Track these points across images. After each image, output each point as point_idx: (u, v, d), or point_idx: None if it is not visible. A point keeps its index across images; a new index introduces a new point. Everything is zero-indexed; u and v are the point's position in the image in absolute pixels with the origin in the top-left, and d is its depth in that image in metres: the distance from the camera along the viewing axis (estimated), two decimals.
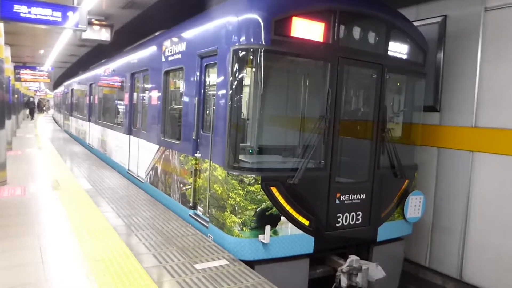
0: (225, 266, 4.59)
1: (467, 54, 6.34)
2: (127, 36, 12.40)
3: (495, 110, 5.96)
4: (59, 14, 7.64)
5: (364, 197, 5.57)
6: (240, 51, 4.85)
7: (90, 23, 9.93)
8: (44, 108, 57.23)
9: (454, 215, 6.53)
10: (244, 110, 5.10)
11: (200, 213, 5.85)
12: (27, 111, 37.09)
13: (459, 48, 6.47)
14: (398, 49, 5.79)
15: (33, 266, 4.40)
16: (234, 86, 4.89)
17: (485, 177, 6.10)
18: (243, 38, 4.84)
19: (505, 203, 5.83)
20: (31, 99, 39.86)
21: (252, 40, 4.77)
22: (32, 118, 36.55)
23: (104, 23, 10.73)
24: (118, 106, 11.32)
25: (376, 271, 5.20)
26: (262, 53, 4.74)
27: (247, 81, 4.99)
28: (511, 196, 5.77)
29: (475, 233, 6.25)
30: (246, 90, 5.04)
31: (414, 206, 6.13)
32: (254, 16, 4.76)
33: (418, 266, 7.07)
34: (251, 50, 4.78)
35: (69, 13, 7.71)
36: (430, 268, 6.92)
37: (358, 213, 5.55)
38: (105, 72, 12.73)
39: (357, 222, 5.56)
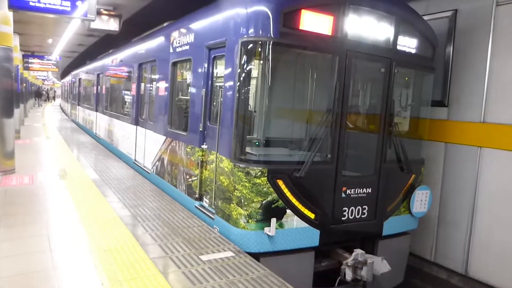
0: (230, 258, 4.61)
1: (477, 49, 6.28)
2: (135, 26, 12.40)
3: (505, 106, 5.91)
4: (68, 3, 7.64)
5: (370, 191, 5.57)
6: (248, 43, 4.84)
7: (98, 13, 9.96)
8: (48, 97, 57.16)
9: (460, 210, 6.51)
10: (251, 102, 5.09)
11: (206, 205, 5.88)
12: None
13: (469, 42, 6.41)
14: (407, 43, 5.74)
15: (41, 254, 4.44)
16: (241, 78, 4.89)
17: (493, 173, 6.07)
18: (251, 30, 4.82)
19: (511, 199, 5.81)
20: (39, 88, 42.15)
21: (260, 32, 4.76)
22: (39, 105, 39.36)
23: (112, 13, 10.76)
24: (125, 97, 11.35)
25: (381, 265, 5.21)
26: (270, 46, 4.73)
27: (255, 73, 4.97)
28: None
29: (481, 229, 6.23)
30: (253, 82, 5.03)
31: (421, 200, 6.12)
32: (263, 8, 4.74)
33: (423, 261, 7.08)
34: (260, 42, 4.77)
35: (78, 3, 7.71)
36: (435, 262, 6.92)
37: (364, 207, 5.54)
38: (113, 62, 12.75)
39: (362, 216, 5.56)
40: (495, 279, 6.03)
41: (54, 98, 61.77)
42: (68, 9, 7.66)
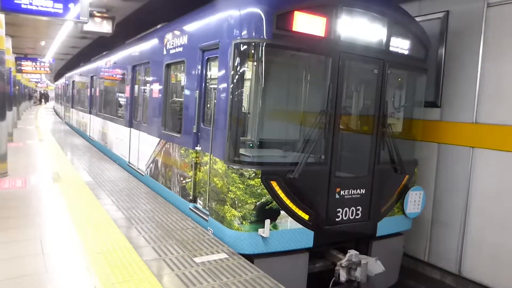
0: (224, 259, 4.61)
1: (469, 50, 6.31)
2: (129, 28, 12.36)
3: (496, 106, 5.95)
4: (60, 5, 7.58)
5: (364, 191, 5.58)
6: (241, 45, 4.83)
7: (91, 15, 9.91)
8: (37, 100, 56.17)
9: (453, 211, 6.54)
10: (245, 104, 5.09)
11: (200, 207, 5.87)
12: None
13: (461, 44, 6.45)
14: (399, 44, 5.76)
15: (33, 258, 4.42)
16: (235, 80, 4.88)
17: (485, 173, 6.10)
18: (244, 32, 4.83)
19: (504, 199, 5.84)
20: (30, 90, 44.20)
21: (253, 34, 4.76)
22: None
23: (105, 15, 10.70)
24: (119, 99, 11.31)
25: (375, 265, 5.23)
26: (263, 47, 4.73)
27: (248, 75, 4.98)
28: (510, 192, 5.77)
29: (474, 229, 6.26)
30: (247, 84, 5.04)
31: (414, 201, 6.14)
32: (256, 10, 4.74)
33: (417, 261, 7.10)
34: (253, 44, 4.77)
35: (71, 5, 7.65)
36: (429, 263, 6.95)
37: (358, 207, 5.55)
38: (107, 64, 12.71)
39: (356, 217, 5.57)
40: (488, 279, 6.06)
41: (43, 99, 60.79)
42: (61, 11, 7.61)
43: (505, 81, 5.85)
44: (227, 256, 4.70)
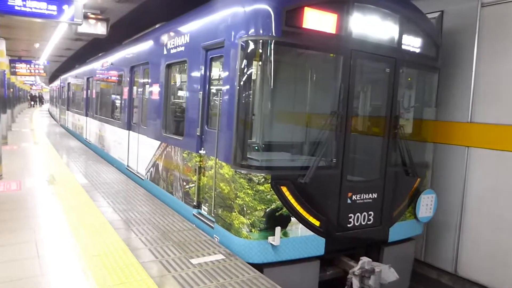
0: (221, 260, 4.53)
1: (464, 50, 6.28)
2: (123, 30, 12.18)
3: (491, 106, 5.92)
4: (54, 7, 7.43)
5: (376, 196, 5.36)
6: (248, 43, 4.60)
7: (85, 17, 9.71)
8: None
9: (449, 210, 6.49)
10: (253, 105, 4.85)
11: (204, 213, 5.61)
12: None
13: (456, 43, 6.39)
14: (411, 42, 5.55)
15: (29, 261, 4.35)
16: (242, 80, 4.65)
17: (480, 172, 6.07)
18: (252, 30, 4.59)
19: (499, 198, 5.81)
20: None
21: (261, 31, 4.53)
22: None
23: (100, 16, 10.50)
24: (117, 101, 11.06)
25: (389, 273, 5.00)
26: (272, 45, 4.50)
27: (256, 74, 4.73)
28: (505, 191, 5.74)
29: (470, 228, 6.23)
30: (254, 84, 4.79)
31: (426, 205, 5.95)
32: (265, 6, 4.52)
33: (414, 261, 6.92)
34: (261, 41, 4.53)
35: (65, 7, 7.50)
36: (426, 262, 6.89)
37: (369, 212, 5.33)
38: (103, 65, 12.47)
39: (368, 223, 5.35)
40: (484, 278, 6.01)
41: (37, 101, 60.22)
42: (55, 13, 7.46)
43: (500, 80, 5.82)
44: (224, 257, 4.62)
